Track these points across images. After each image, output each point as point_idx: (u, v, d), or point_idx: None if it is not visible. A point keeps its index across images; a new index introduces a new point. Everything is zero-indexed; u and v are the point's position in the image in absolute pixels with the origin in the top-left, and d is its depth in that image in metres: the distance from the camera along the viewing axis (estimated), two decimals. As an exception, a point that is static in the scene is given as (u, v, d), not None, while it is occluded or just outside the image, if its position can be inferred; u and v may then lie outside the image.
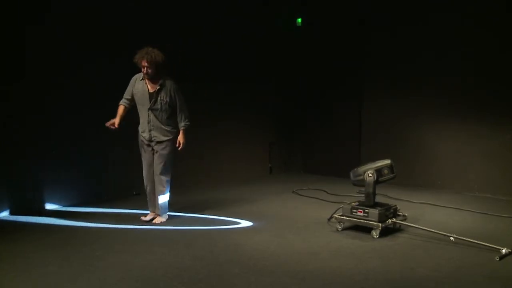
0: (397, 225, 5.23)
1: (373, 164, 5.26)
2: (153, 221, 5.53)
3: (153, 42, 6.93)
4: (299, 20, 8.76)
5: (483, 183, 7.00)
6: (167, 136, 5.43)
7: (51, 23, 6.00)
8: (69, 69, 6.14)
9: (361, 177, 5.19)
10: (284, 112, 8.98)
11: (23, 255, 4.42)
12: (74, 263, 4.25)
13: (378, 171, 5.19)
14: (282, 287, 3.79)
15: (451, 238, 4.74)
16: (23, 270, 4.07)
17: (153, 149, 5.46)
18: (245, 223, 5.62)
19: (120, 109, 5.43)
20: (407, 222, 5.28)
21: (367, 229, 5.07)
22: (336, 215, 5.38)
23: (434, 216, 5.82)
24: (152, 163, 5.48)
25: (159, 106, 5.35)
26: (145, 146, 5.49)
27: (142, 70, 5.27)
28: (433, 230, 4.93)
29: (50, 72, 6.01)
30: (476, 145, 7.05)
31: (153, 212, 5.62)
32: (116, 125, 5.31)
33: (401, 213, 5.50)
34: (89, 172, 6.50)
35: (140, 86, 5.40)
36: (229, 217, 5.87)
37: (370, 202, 5.16)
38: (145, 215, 5.68)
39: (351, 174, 5.30)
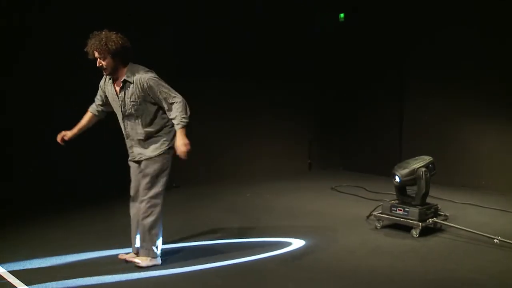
0: (438, 225, 5.11)
1: (416, 161, 5.14)
2: (136, 262, 3.96)
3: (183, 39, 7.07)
4: (342, 15, 8.66)
5: (530, 184, 6.76)
6: (157, 150, 3.91)
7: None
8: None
9: (413, 176, 5.05)
10: (324, 109, 8.91)
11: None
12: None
13: (427, 168, 5.08)
14: (320, 283, 3.79)
15: (495, 240, 4.61)
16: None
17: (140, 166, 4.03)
18: (282, 218, 5.62)
19: (85, 118, 4.15)
20: (448, 222, 5.16)
21: (406, 228, 4.99)
22: (375, 213, 5.32)
23: (477, 217, 5.66)
24: (137, 179, 4.05)
25: (131, 110, 3.85)
26: (132, 162, 4.10)
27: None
28: (476, 232, 4.80)
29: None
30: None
31: (135, 252, 4.14)
32: (67, 138, 4.04)
33: (442, 213, 5.38)
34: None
35: (109, 89, 3.97)
36: (265, 213, 5.88)
37: (424, 201, 5.05)
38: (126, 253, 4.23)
39: (398, 175, 5.06)
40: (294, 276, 3.90)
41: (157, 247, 3.97)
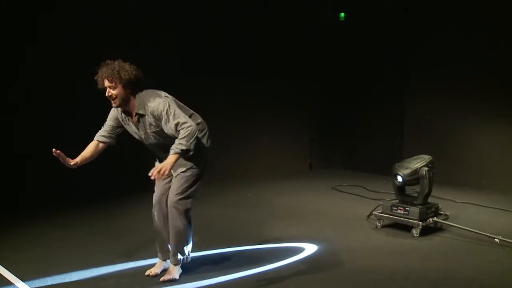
0: (439, 224, 5.10)
1: (416, 161, 5.13)
2: (162, 278, 3.76)
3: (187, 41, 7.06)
4: (342, 14, 8.66)
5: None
6: (188, 162, 3.69)
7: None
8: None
9: (415, 175, 5.03)
10: (325, 107, 8.91)
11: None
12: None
13: (429, 168, 5.08)
14: (321, 283, 3.78)
15: (496, 239, 4.60)
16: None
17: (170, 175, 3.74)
18: (283, 218, 5.61)
19: (90, 147, 3.72)
20: (449, 222, 5.15)
21: (407, 228, 4.98)
22: (375, 212, 5.31)
23: (478, 217, 5.66)
24: (164, 189, 3.82)
25: (156, 140, 3.68)
26: None
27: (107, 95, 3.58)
28: (476, 231, 4.80)
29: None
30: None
31: (163, 260, 3.94)
32: (66, 163, 3.58)
33: (442, 212, 5.38)
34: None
35: (126, 121, 3.74)
36: (265, 213, 5.88)
37: (426, 200, 5.05)
38: (152, 266, 3.98)
39: (400, 174, 5.03)
40: (295, 276, 3.90)
41: (189, 254, 3.82)
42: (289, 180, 7.83)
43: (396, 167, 5.15)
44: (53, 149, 3.45)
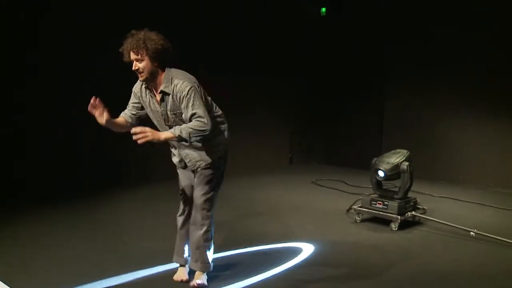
0: (417, 218, 5.17)
1: (395, 155, 5.17)
2: (192, 283, 3.56)
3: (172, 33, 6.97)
4: (323, 9, 8.67)
5: (508, 179, 6.87)
6: (207, 159, 3.51)
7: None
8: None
9: (396, 170, 5.07)
10: (306, 102, 8.93)
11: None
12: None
13: (409, 162, 5.13)
14: (302, 278, 3.80)
15: (471, 233, 4.68)
16: None
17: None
18: (263, 213, 5.62)
19: (119, 119, 3.50)
20: (427, 216, 5.22)
21: (386, 222, 5.03)
22: (355, 207, 5.35)
23: (455, 211, 5.75)
24: (191, 186, 3.63)
25: (175, 123, 3.38)
26: (181, 170, 3.72)
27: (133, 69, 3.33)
28: (453, 225, 4.87)
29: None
30: (502, 140, 6.93)
31: (183, 264, 3.72)
32: (102, 112, 3.25)
33: (420, 206, 5.44)
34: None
35: (147, 98, 3.46)
36: (246, 207, 5.88)
37: (406, 195, 5.11)
38: (175, 271, 3.75)
39: (382, 169, 5.04)
40: (274, 271, 3.90)
41: (211, 259, 3.62)
42: (269, 174, 7.83)
43: (376, 162, 5.18)
44: (94, 98, 3.21)
